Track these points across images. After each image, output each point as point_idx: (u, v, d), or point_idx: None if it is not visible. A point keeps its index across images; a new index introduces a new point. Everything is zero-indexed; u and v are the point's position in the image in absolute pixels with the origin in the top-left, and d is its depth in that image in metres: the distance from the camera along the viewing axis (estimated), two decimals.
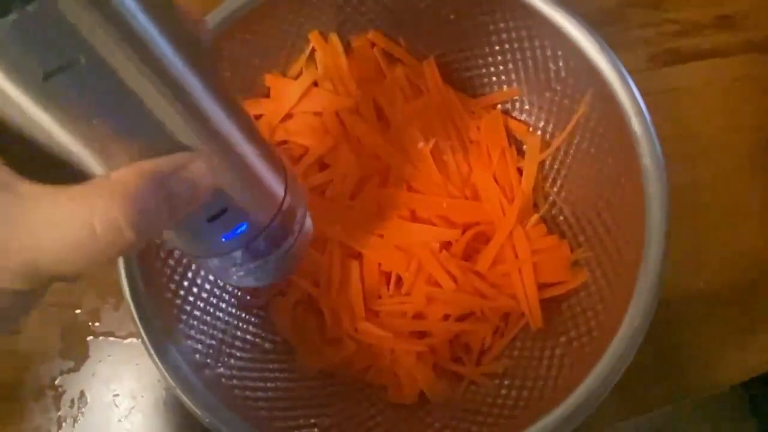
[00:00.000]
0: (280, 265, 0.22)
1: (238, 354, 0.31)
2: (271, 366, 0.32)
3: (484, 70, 0.35)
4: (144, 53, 0.13)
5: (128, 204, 0.13)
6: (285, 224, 0.20)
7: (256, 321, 0.33)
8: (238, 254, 0.20)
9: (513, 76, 0.34)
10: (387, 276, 0.33)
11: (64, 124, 0.13)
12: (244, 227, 0.19)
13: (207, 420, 0.26)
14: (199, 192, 0.15)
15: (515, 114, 0.35)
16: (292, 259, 0.22)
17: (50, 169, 0.14)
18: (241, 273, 0.21)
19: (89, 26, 0.12)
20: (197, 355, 0.28)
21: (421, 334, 0.32)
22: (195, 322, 0.30)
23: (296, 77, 0.34)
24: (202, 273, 0.31)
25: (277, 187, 0.19)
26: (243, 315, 0.33)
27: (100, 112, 0.13)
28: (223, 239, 0.19)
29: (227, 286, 0.33)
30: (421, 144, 0.33)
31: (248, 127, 0.17)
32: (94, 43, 0.12)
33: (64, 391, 0.35)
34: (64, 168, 0.14)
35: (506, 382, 0.31)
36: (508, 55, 0.33)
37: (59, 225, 0.13)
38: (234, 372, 0.30)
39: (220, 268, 0.21)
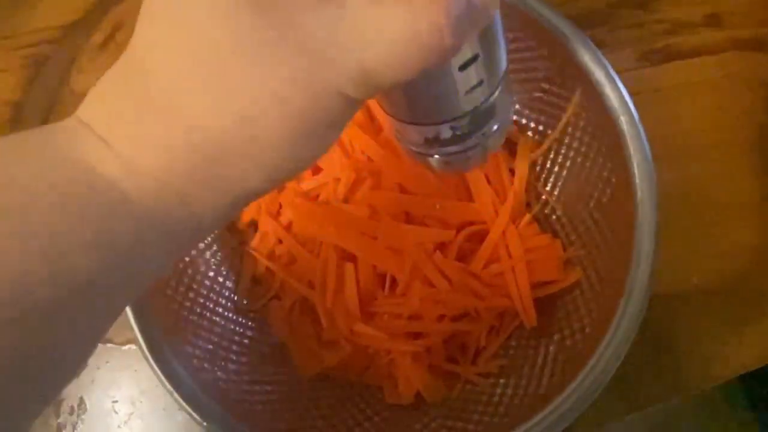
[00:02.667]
0: (475, 153, 0.22)
1: (235, 358, 0.31)
2: (268, 369, 0.32)
3: None
4: None
5: (447, 7, 0.14)
6: (501, 98, 0.20)
7: (253, 325, 0.33)
8: (446, 131, 0.20)
9: None
10: (382, 278, 0.33)
11: None
12: (481, 83, 0.19)
13: (206, 424, 0.26)
14: (493, 4, 0.15)
15: None
16: (485, 149, 0.22)
17: None
18: (441, 155, 0.21)
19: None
20: (195, 360, 0.29)
21: (417, 335, 0.32)
22: (192, 327, 0.30)
23: None
24: (199, 278, 0.32)
25: (505, 49, 0.19)
26: (239, 319, 0.33)
27: None
28: (462, 95, 0.19)
29: (223, 290, 0.33)
30: None
31: None
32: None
33: (62, 399, 0.35)
34: None
35: (501, 381, 0.31)
36: None
37: (387, 29, 0.14)
38: (231, 376, 0.30)
39: (423, 146, 0.21)
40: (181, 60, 0.14)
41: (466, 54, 0.17)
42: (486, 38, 0.18)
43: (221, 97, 0.14)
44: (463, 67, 0.18)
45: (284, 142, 0.14)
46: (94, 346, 0.16)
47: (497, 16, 0.18)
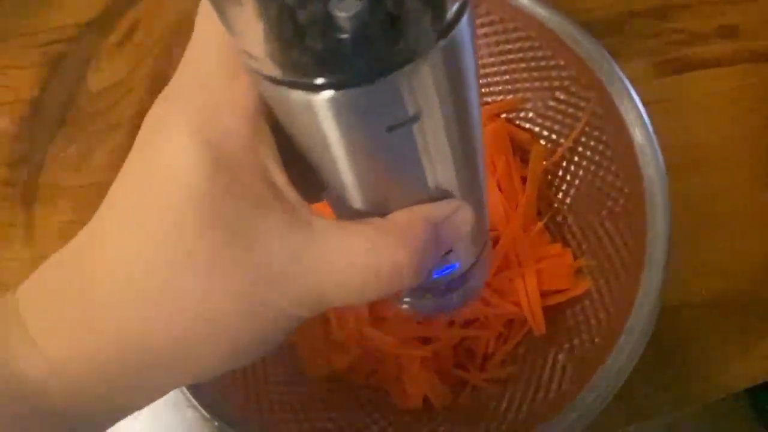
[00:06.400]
0: (447, 304, 0.22)
1: None
2: (277, 369, 0.32)
3: (488, 79, 0.35)
4: (471, 106, 0.14)
5: (412, 250, 0.14)
6: (475, 271, 0.20)
7: None
8: (418, 292, 0.20)
9: (517, 85, 0.34)
10: None
11: (371, 168, 0.13)
12: (455, 267, 0.19)
13: (216, 423, 0.26)
14: (459, 239, 0.15)
15: (519, 122, 0.35)
16: (472, 292, 0.22)
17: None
18: (410, 305, 0.22)
19: (444, 82, 0.12)
20: None
21: (426, 340, 0.33)
22: None
23: None
24: None
25: (487, 227, 0.20)
26: None
27: (412, 160, 0.14)
28: (433, 276, 0.19)
29: None
30: None
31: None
32: (443, 97, 0.12)
33: None
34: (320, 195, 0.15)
35: (509, 388, 0.31)
36: (513, 65, 0.34)
37: (349, 263, 0.14)
38: (241, 375, 0.30)
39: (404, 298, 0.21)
40: (128, 267, 0.13)
41: None
42: (469, 236, 0.17)
43: (161, 313, 0.14)
44: None
45: (216, 358, 0.14)
46: None
47: (484, 203, 0.17)
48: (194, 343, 0.14)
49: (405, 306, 0.22)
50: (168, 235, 0.13)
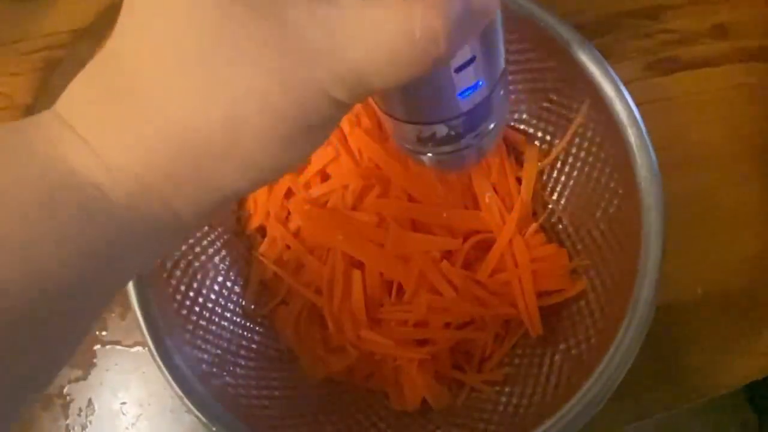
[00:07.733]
0: (470, 152, 0.22)
1: (243, 363, 0.31)
2: (275, 374, 0.32)
3: None
4: None
5: (445, 13, 0.13)
6: (498, 99, 0.20)
7: (261, 330, 0.34)
8: (441, 130, 0.20)
9: (511, 87, 0.35)
10: (389, 285, 0.33)
11: None
12: (478, 85, 0.18)
13: (214, 428, 0.27)
14: (491, 9, 0.15)
15: (514, 124, 0.36)
16: (480, 149, 0.22)
17: None
18: (435, 154, 0.21)
19: None
20: (203, 364, 0.29)
21: (423, 342, 0.33)
22: (201, 332, 0.30)
23: None
24: (208, 283, 0.32)
25: (503, 49, 0.19)
26: (247, 324, 0.33)
27: None
28: (459, 96, 0.18)
29: (232, 296, 0.33)
30: None
31: None
32: None
33: (72, 400, 0.36)
34: None
35: (506, 389, 0.31)
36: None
37: (381, 32, 0.13)
38: (239, 380, 0.30)
39: (416, 144, 0.21)
40: (162, 56, 0.13)
41: (463, 56, 0.17)
42: (485, 40, 0.17)
43: (204, 97, 0.13)
44: (459, 69, 0.17)
45: (267, 144, 0.14)
46: (76, 344, 0.15)
47: (498, 17, 0.17)
48: (240, 126, 0.14)
49: (428, 155, 0.22)
50: (192, 18, 0.13)
